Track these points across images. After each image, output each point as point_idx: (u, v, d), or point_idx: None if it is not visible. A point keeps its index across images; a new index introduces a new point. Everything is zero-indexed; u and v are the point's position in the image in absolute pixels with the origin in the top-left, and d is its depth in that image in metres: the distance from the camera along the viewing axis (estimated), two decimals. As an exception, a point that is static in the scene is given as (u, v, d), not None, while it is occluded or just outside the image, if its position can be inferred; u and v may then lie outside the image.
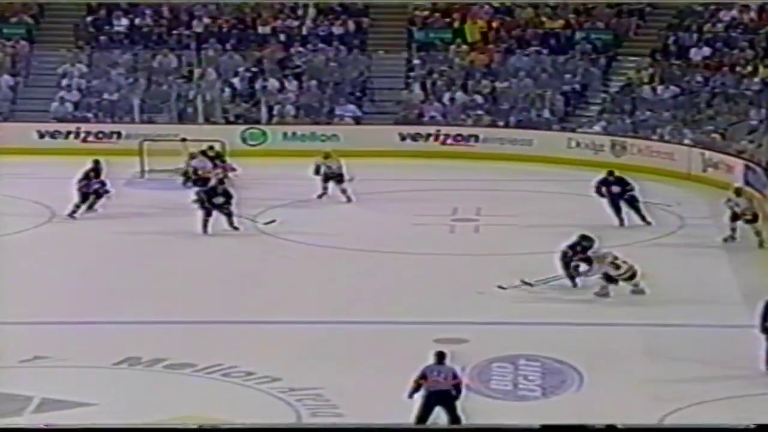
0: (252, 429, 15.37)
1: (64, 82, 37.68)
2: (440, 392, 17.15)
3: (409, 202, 30.20)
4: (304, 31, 39.23)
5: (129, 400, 18.42)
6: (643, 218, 27.88)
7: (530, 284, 22.93)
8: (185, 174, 30.83)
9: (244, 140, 35.24)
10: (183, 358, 19.75)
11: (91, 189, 28.43)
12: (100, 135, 36.00)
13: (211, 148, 31.56)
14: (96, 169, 28.69)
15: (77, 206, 28.27)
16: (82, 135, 36.00)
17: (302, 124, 36.60)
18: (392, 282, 23.99)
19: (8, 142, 34.54)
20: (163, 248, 26.67)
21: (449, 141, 35.97)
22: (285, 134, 35.78)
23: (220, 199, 27.26)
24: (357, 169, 29.54)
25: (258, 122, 36.51)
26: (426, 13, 39.48)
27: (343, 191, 30.08)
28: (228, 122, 36.67)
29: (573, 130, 35.93)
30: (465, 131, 36.17)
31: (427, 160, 34.63)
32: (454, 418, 17.17)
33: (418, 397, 17.30)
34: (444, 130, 36.15)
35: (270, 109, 37.09)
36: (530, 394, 18.95)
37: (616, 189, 27.98)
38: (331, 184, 30.21)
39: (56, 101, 37.17)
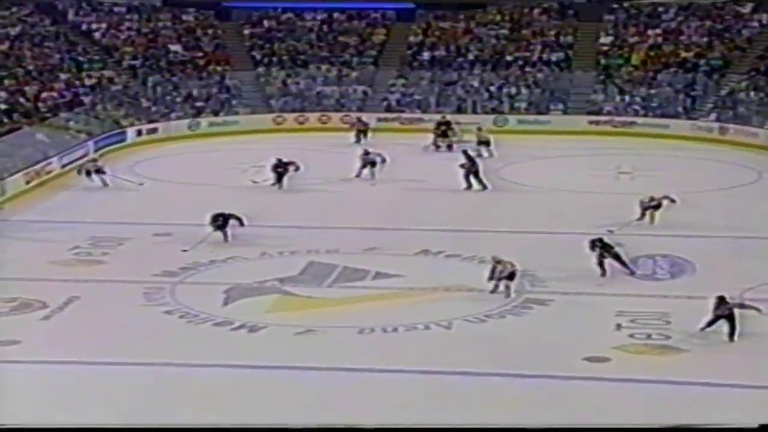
0: (253, 429, 11.96)
1: (392, 89, 37.77)
2: (726, 315, 15.24)
3: (590, 160, 29.14)
4: (533, 58, 38.38)
5: (424, 274, 18.28)
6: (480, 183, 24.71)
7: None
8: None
9: (494, 123, 34.66)
10: (452, 251, 19.62)
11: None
12: (411, 120, 35.74)
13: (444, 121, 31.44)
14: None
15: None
16: (401, 120, 35.69)
17: (530, 114, 35.77)
18: (580, 207, 22.69)
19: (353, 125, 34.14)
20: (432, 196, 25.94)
21: (618, 125, 34.65)
22: (519, 120, 35.07)
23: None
24: (561, 142, 28.62)
25: (502, 112, 35.80)
26: (607, 47, 38.15)
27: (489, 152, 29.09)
28: (485, 112, 35.93)
29: (695, 119, 34.14)
30: (628, 119, 34.73)
31: (604, 137, 33.32)
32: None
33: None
34: (616, 118, 34.83)
35: (511, 105, 36.44)
36: (663, 277, 18.16)
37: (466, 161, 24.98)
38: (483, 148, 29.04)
39: (384, 102, 37.23)
